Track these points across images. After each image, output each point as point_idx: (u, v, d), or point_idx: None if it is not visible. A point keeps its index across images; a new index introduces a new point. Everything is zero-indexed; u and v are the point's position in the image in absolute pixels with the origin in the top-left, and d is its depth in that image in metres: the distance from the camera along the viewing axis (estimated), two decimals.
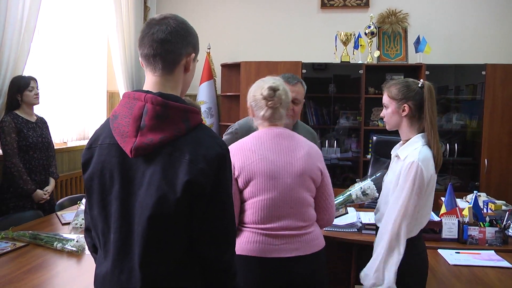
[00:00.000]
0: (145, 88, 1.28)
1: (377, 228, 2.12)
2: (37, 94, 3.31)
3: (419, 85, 2.00)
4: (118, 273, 1.22)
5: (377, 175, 2.65)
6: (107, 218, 1.25)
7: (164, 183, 1.16)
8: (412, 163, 1.87)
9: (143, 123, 1.18)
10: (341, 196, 2.72)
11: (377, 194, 2.44)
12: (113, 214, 1.23)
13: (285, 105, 2.00)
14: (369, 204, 4.17)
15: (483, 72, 4.75)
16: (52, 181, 3.44)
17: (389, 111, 2.03)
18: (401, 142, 2.07)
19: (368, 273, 1.93)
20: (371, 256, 1.99)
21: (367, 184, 2.63)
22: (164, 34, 1.24)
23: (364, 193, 2.59)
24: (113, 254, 1.23)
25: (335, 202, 2.40)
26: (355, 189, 2.66)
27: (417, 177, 1.86)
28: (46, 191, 3.33)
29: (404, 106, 1.99)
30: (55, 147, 3.71)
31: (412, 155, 1.91)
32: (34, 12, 3.36)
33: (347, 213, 2.82)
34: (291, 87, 2.29)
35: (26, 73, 3.42)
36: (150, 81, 1.28)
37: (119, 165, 1.22)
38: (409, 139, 2.00)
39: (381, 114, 2.11)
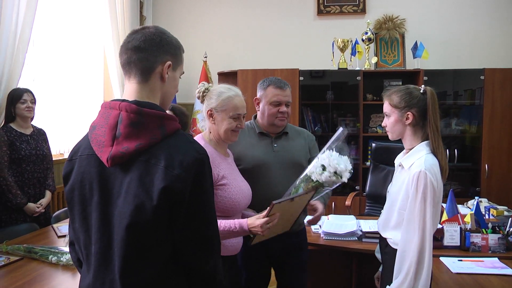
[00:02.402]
0: (123, 97, 1.27)
1: (380, 237, 2.07)
2: (30, 107, 3.23)
3: (421, 91, 1.95)
4: (99, 285, 1.21)
5: (333, 138, 2.14)
6: (88, 230, 1.24)
7: (140, 191, 1.15)
8: (420, 173, 1.81)
9: (119, 132, 1.17)
10: (298, 182, 2.11)
11: (344, 167, 2.00)
12: (93, 225, 1.22)
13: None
14: (368, 212, 4.16)
15: (482, 77, 4.73)
16: (48, 194, 3.40)
17: (392, 120, 1.97)
18: (404, 151, 2.02)
19: None
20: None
21: (323, 157, 2.04)
22: (138, 42, 1.25)
23: (324, 168, 2.00)
24: (94, 266, 1.22)
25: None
26: (312, 167, 2.06)
27: (428, 187, 1.79)
28: (40, 204, 3.27)
29: (408, 114, 1.92)
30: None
31: (417, 164, 1.85)
32: (29, 23, 3.34)
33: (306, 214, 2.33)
34: (284, 91, 2.38)
35: (21, 85, 3.39)
36: (127, 90, 1.28)
37: (98, 176, 1.22)
38: (413, 148, 1.94)
39: (383, 124, 2.05)
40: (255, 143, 2.37)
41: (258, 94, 2.45)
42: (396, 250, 1.88)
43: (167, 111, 1.33)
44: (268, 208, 1.81)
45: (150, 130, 1.17)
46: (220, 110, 1.99)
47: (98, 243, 1.21)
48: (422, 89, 1.95)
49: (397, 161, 2.04)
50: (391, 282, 1.86)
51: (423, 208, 1.79)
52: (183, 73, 1.38)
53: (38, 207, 3.24)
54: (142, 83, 1.26)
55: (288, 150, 2.38)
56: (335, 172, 1.98)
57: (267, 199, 1.97)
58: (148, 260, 1.18)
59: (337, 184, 2.04)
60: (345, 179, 2.01)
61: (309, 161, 2.25)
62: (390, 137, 2.03)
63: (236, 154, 2.28)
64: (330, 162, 1.99)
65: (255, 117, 2.52)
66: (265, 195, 2.15)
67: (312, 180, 2.02)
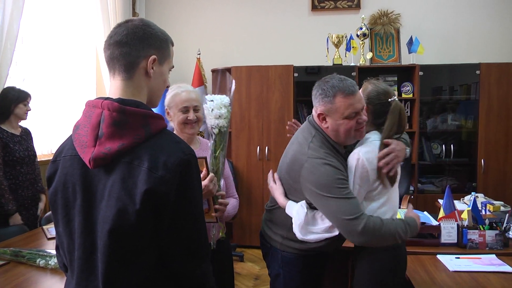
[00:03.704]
0: (108, 95, 1.21)
1: None
2: (28, 110, 3.26)
3: (390, 99, 1.99)
4: None
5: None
6: (71, 234, 1.19)
7: (123, 194, 1.09)
8: (353, 155, 1.89)
9: (101, 132, 1.12)
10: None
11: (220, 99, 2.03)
12: (76, 230, 1.17)
13: None
14: None
15: (478, 72, 4.70)
16: (43, 197, 3.38)
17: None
18: None
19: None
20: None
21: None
22: (120, 36, 1.19)
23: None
24: (77, 271, 1.17)
25: None
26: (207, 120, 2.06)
27: (358, 168, 1.86)
28: (40, 209, 3.32)
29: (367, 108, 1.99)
30: (42, 159, 3.62)
31: (357, 148, 1.93)
32: (16, 19, 3.27)
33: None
34: (356, 97, 1.88)
35: (9, 83, 3.33)
36: (112, 87, 1.22)
37: (81, 178, 1.17)
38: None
39: None
40: (345, 167, 1.93)
41: (322, 109, 1.91)
42: None
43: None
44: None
45: (133, 129, 1.12)
46: (172, 106, 2.10)
47: (81, 248, 1.16)
48: (392, 98, 2.00)
49: None
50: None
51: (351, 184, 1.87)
52: (173, 67, 1.31)
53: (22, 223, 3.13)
54: (127, 80, 1.20)
55: None
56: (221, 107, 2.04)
57: None
58: (132, 265, 1.13)
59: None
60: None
61: None
62: None
63: None
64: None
65: (323, 134, 1.96)
66: None
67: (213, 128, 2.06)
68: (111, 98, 1.16)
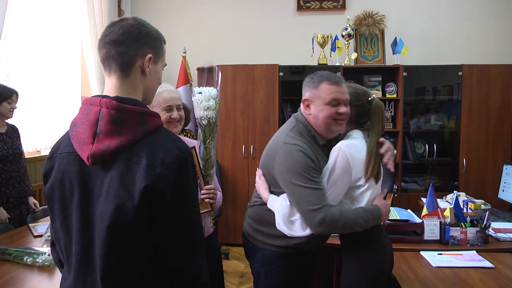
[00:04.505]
0: (104, 93, 1.23)
1: None
2: (14, 108, 3.23)
3: (369, 98, 2.03)
4: (80, 286, 1.18)
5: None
6: (68, 230, 1.20)
7: (121, 191, 1.11)
8: (336, 147, 1.90)
9: (99, 129, 1.13)
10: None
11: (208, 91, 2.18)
12: (74, 226, 1.18)
13: None
14: None
15: (460, 73, 4.79)
16: (31, 200, 3.39)
17: None
18: None
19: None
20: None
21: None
22: (116, 35, 1.20)
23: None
24: (75, 267, 1.19)
25: None
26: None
27: (339, 158, 1.86)
28: (35, 205, 3.38)
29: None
30: (29, 156, 3.59)
31: (339, 142, 1.94)
32: (0, 16, 3.23)
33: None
34: (341, 87, 1.97)
35: None
36: (108, 85, 1.24)
37: (79, 174, 1.18)
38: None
39: None
40: (323, 158, 1.97)
41: (307, 95, 2.02)
42: None
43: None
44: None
45: (131, 127, 1.14)
46: (155, 105, 2.10)
47: (79, 244, 1.17)
48: (371, 97, 2.04)
49: None
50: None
51: (330, 175, 1.87)
52: (166, 65, 1.33)
53: (8, 216, 3.10)
54: (123, 78, 1.22)
55: None
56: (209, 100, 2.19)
57: None
58: (130, 261, 1.15)
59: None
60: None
61: None
62: None
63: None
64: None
65: (304, 124, 2.02)
66: None
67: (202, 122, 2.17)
68: (109, 96, 1.17)
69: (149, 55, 1.23)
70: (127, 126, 1.13)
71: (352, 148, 1.90)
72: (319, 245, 2.14)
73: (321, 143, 1.99)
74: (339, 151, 1.88)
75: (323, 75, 1.97)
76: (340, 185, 1.88)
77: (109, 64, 1.22)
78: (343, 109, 1.93)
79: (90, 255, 1.16)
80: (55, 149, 1.27)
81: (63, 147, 1.24)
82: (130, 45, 1.20)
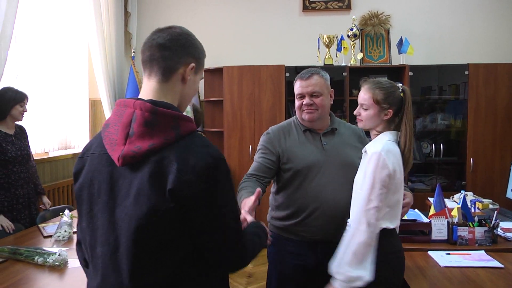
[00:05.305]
0: (140, 95, 1.25)
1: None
2: (25, 111, 3.26)
3: (399, 89, 1.99)
4: (108, 287, 1.19)
5: None
6: (94, 230, 1.21)
7: (151, 193, 1.11)
8: (374, 154, 1.86)
9: (132, 131, 1.14)
10: None
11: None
12: (100, 227, 1.19)
13: None
14: None
15: (466, 72, 4.78)
16: (44, 197, 3.45)
17: (371, 114, 2.00)
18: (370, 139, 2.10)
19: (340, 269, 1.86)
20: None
21: None
22: (164, 40, 1.23)
23: None
24: (102, 268, 1.19)
25: None
26: None
27: (379, 166, 1.82)
28: (48, 203, 3.45)
29: (389, 111, 1.97)
30: (37, 158, 3.61)
31: (376, 146, 1.90)
32: (11, 19, 3.26)
33: None
34: (305, 81, 2.21)
35: (4, 83, 3.32)
36: (145, 88, 1.25)
37: (108, 175, 1.18)
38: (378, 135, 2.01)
39: (356, 112, 2.07)
40: (304, 141, 2.24)
41: None
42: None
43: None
44: None
45: (164, 130, 1.13)
46: None
47: (106, 245, 1.18)
48: (400, 87, 2.00)
49: (363, 150, 2.09)
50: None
51: (371, 186, 1.83)
52: (202, 78, 1.36)
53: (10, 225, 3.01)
54: (162, 82, 1.23)
55: (339, 148, 2.24)
56: None
57: (318, 202, 2.13)
58: (159, 262, 1.15)
59: None
60: None
61: None
62: (361, 125, 2.08)
63: (283, 153, 2.21)
64: None
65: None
66: (316, 198, 2.15)
67: None
68: (143, 99, 1.19)
69: (192, 64, 1.25)
70: (160, 129, 1.13)
71: (394, 160, 1.87)
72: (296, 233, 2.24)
73: (301, 129, 2.26)
74: (378, 159, 1.84)
75: (299, 74, 2.27)
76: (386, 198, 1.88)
77: (151, 66, 1.24)
78: (306, 100, 2.19)
79: (117, 256, 1.16)
80: (87, 149, 1.28)
81: (95, 147, 1.25)
82: (175, 51, 1.23)
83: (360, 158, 2.12)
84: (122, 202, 1.15)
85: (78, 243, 1.35)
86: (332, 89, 2.31)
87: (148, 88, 1.24)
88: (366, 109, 2.02)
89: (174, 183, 1.09)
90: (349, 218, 1.98)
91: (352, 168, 2.11)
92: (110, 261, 1.17)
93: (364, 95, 2.02)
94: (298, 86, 2.23)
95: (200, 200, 1.12)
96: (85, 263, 1.34)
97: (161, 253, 1.14)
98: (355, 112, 2.09)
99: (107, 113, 5.05)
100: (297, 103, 2.24)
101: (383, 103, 1.96)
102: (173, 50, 1.23)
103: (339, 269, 1.83)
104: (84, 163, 1.25)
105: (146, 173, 1.12)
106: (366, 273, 1.79)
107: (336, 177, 2.16)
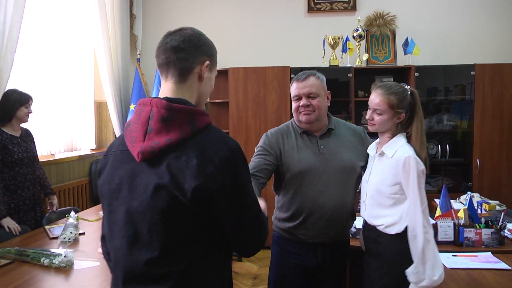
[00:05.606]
0: (160, 95, 1.29)
1: (368, 228, 2.13)
2: (30, 112, 3.29)
3: (409, 92, 2.03)
4: (129, 279, 1.23)
5: None
6: (112, 224, 1.27)
7: (171, 188, 1.14)
8: (409, 158, 1.92)
9: (150, 127, 1.19)
10: None
11: None
12: (118, 220, 1.24)
13: None
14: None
15: (472, 72, 4.76)
16: (53, 197, 3.49)
17: (385, 118, 2.02)
18: (377, 141, 2.14)
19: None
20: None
21: None
22: (177, 42, 1.27)
23: None
24: (122, 261, 1.24)
25: None
26: None
27: (418, 170, 1.91)
28: (55, 205, 3.48)
29: (402, 115, 2.02)
30: (43, 159, 3.63)
31: (402, 151, 1.95)
32: (17, 22, 3.29)
33: None
34: (301, 83, 2.21)
35: (10, 85, 3.35)
36: (164, 89, 1.30)
37: (129, 171, 1.23)
38: (393, 137, 2.05)
39: (368, 117, 2.08)
40: (301, 145, 2.23)
41: None
42: (391, 235, 1.98)
43: None
44: None
45: (180, 125, 1.18)
46: None
47: (124, 238, 1.22)
48: (409, 90, 2.04)
49: (371, 151, 2.16)
50: (390, 267, 1.97)
51: (418, 189, 1.91)
52: (217, 74, 1.40)
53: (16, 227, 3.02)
54: (179, 83, 1.28)
55: (336, 151, 2.20)
56: None
57: (315, 207, 2.13)
58: (177, 254, 1.18)
59: None
60: None
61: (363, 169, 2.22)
62: (373, 129, 2.10)
63: (281, 156, 2.21)
64: None
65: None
66: (313, 202, 2.15)
67: None
68: (159, 97, 1.24)
69: (207, 62, 1.30)
70: (176, 124, 1.17)
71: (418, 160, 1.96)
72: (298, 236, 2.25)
73: (298, 131, 2.25)
74: (409, 160, 1.93)
75: (295, 77, 2.25)
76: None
77: (167, 69, 1.28)
78: (303, 101, 2.18)
79: (136, 248, 1.20)
80: (110, 147, 1.34)
81: (117, 145, 1.31)
82: (190, 52, 1.27)
83: (361, 159, 2.19)
84: (141, 196, 1.19)
85: (103, 238, 1.38)
86: (328, 91, 2.29)
87: (167, 89, 1.29)
88: (380, 114, 2.03)
89: (198, 178, 1.13)
90: (355, 219, 2.11)
91: (349, 171, 2.16)
92: (129, 252, 1.21)
93: (378, 101, 2.04)
94: (294, 88, 2.23)
95: (221, 192, 1.16)
96: (108, 257, 1.38)
97: (181, 245, 1.18)
98: (367, 117, 2.11)
99: (113, 115, 5.07)
100: (294, 105, 2.25)
101: (398, 107, 2.00)
102: (187, 51, 1.27)
103: (422, 276, 1.88)
104: (107, 161, 1.31)
105: (165, 169, 1.15)
106: (442, 270, 1.89)
107: (333, 182, 2.15)
